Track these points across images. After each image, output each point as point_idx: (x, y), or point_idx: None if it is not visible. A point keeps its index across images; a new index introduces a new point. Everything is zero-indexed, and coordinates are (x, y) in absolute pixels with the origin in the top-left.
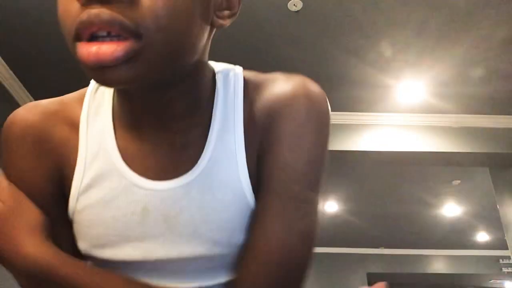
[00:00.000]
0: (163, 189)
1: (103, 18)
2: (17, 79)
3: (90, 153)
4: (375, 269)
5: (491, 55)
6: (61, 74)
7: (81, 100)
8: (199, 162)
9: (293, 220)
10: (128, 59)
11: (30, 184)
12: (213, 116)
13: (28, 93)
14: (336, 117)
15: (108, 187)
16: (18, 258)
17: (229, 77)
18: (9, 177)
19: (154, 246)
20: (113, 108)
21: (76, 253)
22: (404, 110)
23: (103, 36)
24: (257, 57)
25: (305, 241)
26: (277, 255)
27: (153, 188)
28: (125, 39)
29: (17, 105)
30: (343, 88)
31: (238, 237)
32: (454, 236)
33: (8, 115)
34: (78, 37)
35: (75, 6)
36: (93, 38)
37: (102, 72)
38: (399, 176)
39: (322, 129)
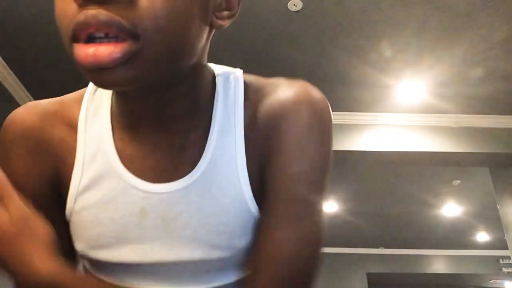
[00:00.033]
0: (162, 191)
1: (101, 19)
2: (17, 79)
3: (88, 154)
4: (375, 269)
5: (491, 55)
6: (61, 74)
7: (80, 100)
8: (198, 164)
9: (301, 226)
10: (126, 60)
11: (25, 184)
12: (213, 119)
13: (28, 93)
14: (336, 117)
15: (106, 188)
16: (31, 275)
17: (230, 80)
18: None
19: (152, 249)
20: (111, 109)
21: (71, 255)
22: (404, 110)
23: (100, 37)
24: (257, 57)
25: (314, 246)
26: (287, 262)
27: (152, 190)
28: (123, 40)
29: (17, 105)
30: (343, 88)
31: (238, 241)
32: (454, 236)
33: (8, 115)
34: (75, 38)
35: (72, 6)
36: (90, 39)
37: (100, 74)
38: (399, 176)
39: (325, 134)
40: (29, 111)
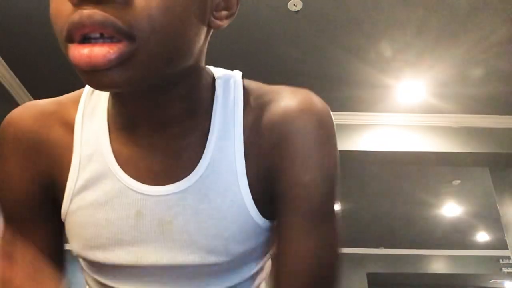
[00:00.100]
0: (158, 193)
1: (95, 19)
2: (17, 79)
3: (84, 154)
4: (375, 269)
5: (491, 55)
6: (61, 74)
7: (77, 101)
8: (196, 168)
9: (320, 235)
10: (121, 62)
11: (19, 184)
12: (212, 123)
13: (28, 93)
14: (336, 117)
15: (102, 189)
16: None
17: (230, 83)
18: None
19: (147, 251)
20: (108, 109)
21: (62, 257)
22: (404, 110)
23: (95, 38)
24: (257, 57)
25: (334, 253)
26: (312, 273)
27: (148, 192)
28: (118, 41)
29: (17, 105)
30: (343, 88)
31: (236, 246)
32: (454, 236)
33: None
34: (70, 39)
35: (67, 6)
36: (85, 39)
37: (95, 75)
38: (399, 176)
39: (331, 142)
40: (26, 111)
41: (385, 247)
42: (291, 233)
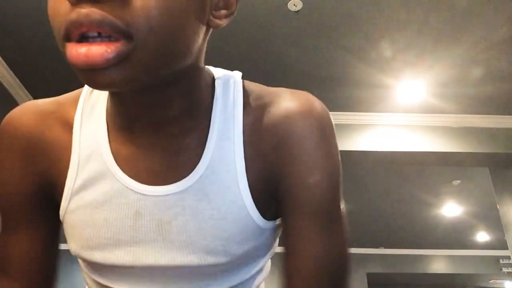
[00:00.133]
0: (157, 193)
1: (93, 18)
2: (17, 79)
3: (83, 154)
4: (375, 269)
5: (491, 55)
6: (61, 74)
7: (76, 100)
8: (196, 168)
9: (330, 235)
10: (119, 61)
11: (17, 184)
12: (212, 122)
13: (28, 93)
14: (336, 117)
15: (101, 189)
16: None
17: (229, 84)
18: None
19: (145, 252)
20: (107, 108)
21: (55, 259)
22: (404, 110)
23: (93, 37)
24: (257, 57)
25: (343, 252)
26: (324, 275)
27: (147, 192)
28: (116, 40)
29: (17, 105)
30: (343, 88)
31: (235, 247)
32: (454, 236)
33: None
34: (67, 37)
35: (65, 5)
36: (83, 38)
37: (92, 74)
38: (399, 176)
39: (333, 143)
40: (25, 111)
41: (385, 247)
42: (301, 234)
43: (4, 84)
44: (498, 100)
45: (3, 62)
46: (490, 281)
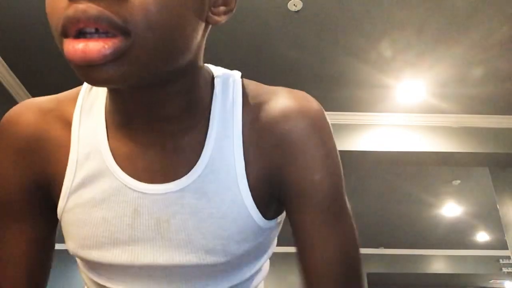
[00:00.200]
0: (156, 192)
1: (90, 14)
2: (17, 79)
3: (82, 152)
4: (375, 269)
5: (491, 55)
6: (62, 74)
7: (75, 98)
8: (195, 167)
9: (341, 231)
10: (116, 57)
11: (14, 182)
12: (211, 121)
13: (28, 93)
14: (336, 117)
15: (100, 187)
16: None
17: (229, 82)
18: None
19: (143, 251)
20: (106, 107)
21: (50, 259)
22: (404, 110)
23: (91, 33)
24: (257, 57)
25: (355, 246)
26: (341, 269)
27: (145, 190)
28: (113, 36)
29: None
30: (343, 88)
31: (235, 246)
32: (454, 236)
33: None
34: (64, 33)
35: (63, 1)
36: (80, 34)
37: (89, 71)
38: (399, 176)
39: (331, 141)
40: (25, 109)
41: (385, 247)
42: (314, 232)
43: (4, 84)
44: (498, 100)
45: (3, 62)
46: (490, 281)
